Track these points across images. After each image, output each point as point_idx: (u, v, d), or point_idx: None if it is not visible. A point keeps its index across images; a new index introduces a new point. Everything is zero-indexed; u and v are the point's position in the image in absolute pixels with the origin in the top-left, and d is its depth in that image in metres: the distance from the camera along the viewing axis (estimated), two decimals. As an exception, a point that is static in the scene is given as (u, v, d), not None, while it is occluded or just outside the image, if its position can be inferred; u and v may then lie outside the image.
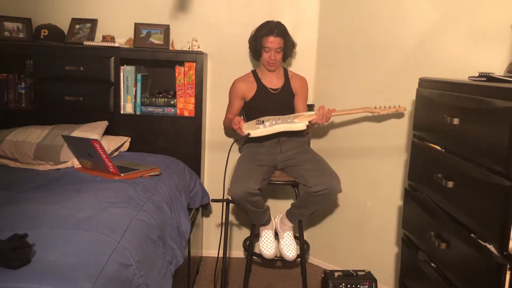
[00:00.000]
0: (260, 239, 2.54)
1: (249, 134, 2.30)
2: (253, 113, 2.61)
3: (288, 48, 2.55)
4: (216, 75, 2.88)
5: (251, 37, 2.57)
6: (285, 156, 2.45)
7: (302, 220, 2.50)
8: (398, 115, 2.42)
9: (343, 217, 2.81)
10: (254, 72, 2.65)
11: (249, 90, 2.59)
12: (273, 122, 2.36)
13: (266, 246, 2.50)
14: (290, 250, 2.47)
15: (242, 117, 2.59)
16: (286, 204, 2.87)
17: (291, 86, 2.61)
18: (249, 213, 2.37)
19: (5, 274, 1.17)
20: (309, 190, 2.25)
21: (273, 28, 2.48)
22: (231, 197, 2.25)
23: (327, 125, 2.77)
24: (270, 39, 2.46)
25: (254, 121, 2.45)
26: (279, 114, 2.52)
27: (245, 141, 2.61)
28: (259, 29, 2.52)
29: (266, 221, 2.50)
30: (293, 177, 2.41)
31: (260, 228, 2.54)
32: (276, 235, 2.56)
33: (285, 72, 2.65)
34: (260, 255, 2.51)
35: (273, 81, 2.61)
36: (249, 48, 2.61)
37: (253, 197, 2.25)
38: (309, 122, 2.34)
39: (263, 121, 2.41)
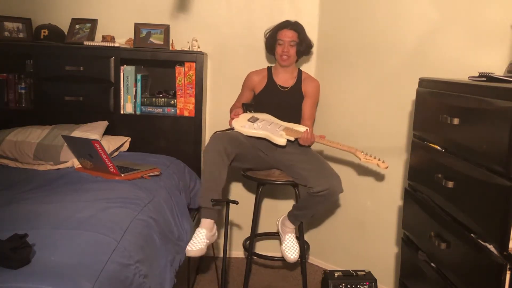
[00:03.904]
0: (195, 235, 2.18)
1: (233, 128, 2.36)
2: (260, 108, 2.62)
3: (302, 44, 2.57)
4: (216, 75, 2.88)
5: (267, 31, 2.62)
6: (283, 151, 2.43)
7: (303, 221, 2.49)
8: (398, 113, 2.41)
9: (343, 217, 2.81)
10: (269, 69, 2.68)
11: (259, 83, 2.63)
12: (260, 125, 2.39)
13: (195, 243, 2.15)
14: (292, 251, 2.45)
15: (248, 111, 2.58)
16: (286, 204, 2.88)
17: (302, 88, 2.62)
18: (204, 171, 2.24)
19: (5, 274, 1.17)
20: (310, 190, 2.24)
21: (289, 23, 2.56)
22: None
23: (327, 125, 2.78)
24: (284, 32, 2.54)
25: (248, 116, 2.49)
26: (285, 113, 2.53)
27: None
28: (277, 24, 2.59)
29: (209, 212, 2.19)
30: (292, 177, 2.40)
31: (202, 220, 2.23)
32: (278, 237, 2.56)
33: (299, 72, 2.66)
34: (260, 255, 2.50)
35: (284, 79, 2.62)
36: (264, 43, 2.65)
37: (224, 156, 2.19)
38: (295, 139, 2.37)
39: (255, 120, 2.46)
